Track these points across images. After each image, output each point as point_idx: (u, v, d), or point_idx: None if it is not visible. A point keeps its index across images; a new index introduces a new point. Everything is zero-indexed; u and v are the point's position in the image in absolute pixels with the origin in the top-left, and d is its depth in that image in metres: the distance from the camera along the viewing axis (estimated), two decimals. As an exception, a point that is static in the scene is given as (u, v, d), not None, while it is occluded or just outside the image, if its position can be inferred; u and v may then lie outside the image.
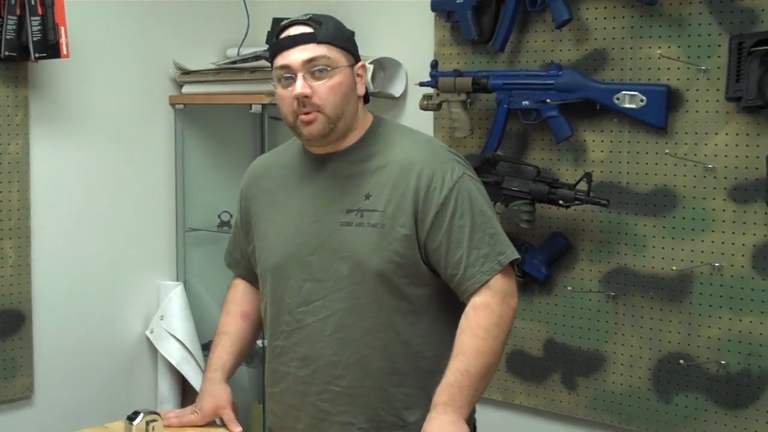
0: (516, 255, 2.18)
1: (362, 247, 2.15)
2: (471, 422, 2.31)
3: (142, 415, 2.27)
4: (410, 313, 2.19)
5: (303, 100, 2.12)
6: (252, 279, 2.45)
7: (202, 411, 2.40)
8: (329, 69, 2.13)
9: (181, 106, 3.72)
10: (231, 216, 3.66)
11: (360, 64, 2.22)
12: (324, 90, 2.12)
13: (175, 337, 3.61)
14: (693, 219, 2.74)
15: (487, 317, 2.10)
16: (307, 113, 2.13)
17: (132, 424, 2.25)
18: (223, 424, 2.41)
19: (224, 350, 2.45)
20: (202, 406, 2.41)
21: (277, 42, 2.18)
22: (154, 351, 3.68)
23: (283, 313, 2.26)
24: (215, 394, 2.41)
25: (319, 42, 2.13)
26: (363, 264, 2.15)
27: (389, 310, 2.17)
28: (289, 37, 2.15)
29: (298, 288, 2.23)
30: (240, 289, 2.50)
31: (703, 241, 2.73)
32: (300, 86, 2.12)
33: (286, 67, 2.14)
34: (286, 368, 2.27)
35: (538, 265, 2.99)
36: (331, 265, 2.18)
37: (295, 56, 2.13)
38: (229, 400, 2.41)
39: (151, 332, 3.64)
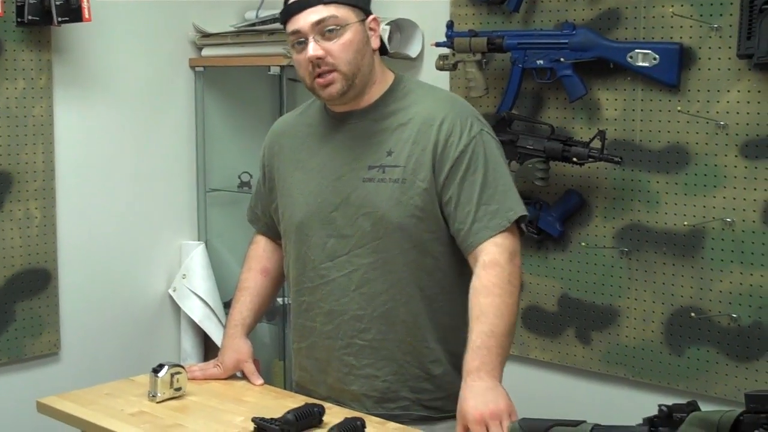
0: (524, 212, 2.18)
1: (384, 203, 2.17)
2: None
3: (166, 367, 2.30)
4: (435, 269, 2.21)
5: (317, 62, 2.14)
6: (273, 235, 2.49)
7: (224, 365, 2.46)
8: (339, 27, 2.14)
9: (201, 69, 3.76)
10: (251, 177, 3.71)
11: (371, 17, 2.23)
12: (337, 48, 2.14)
13: (197, 295, 3.66)
14: (705, 175, 2.76)
15: (498, 275, 2.10)
16: (323, 76, 2.16)
17: (157, 377, 2.29)
18: (245, 378, 2.47)
19: (245, 306, 2.50)
20: (224, 360, 2.46)
21: (286, 8, 2.20)
22: (176, 309, 3.73)
23: (307, 269, 2.29)
24: (236, 349, 2.46)
25: (325, 3, 2.14)
26: (385, 219, 2.17)
27: (413, 265, 2.20)
28: (296, 2, 2.17)
29: (321, 244, 2.25)
30: (261, 246, 2.53)
31: (714, 197, 2.75)
32: (312, 49, 2.14)
33: (296, 32, 2.17)
34: (312, 323, 2.30)
35: (553, 222, 3.01)
36: (355, 221, 2.21)
37: (303, 20, 2.15)
38: (250, 354, 2.46)
39: (174, 290, 3.69)
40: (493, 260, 2.11)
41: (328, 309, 2.26)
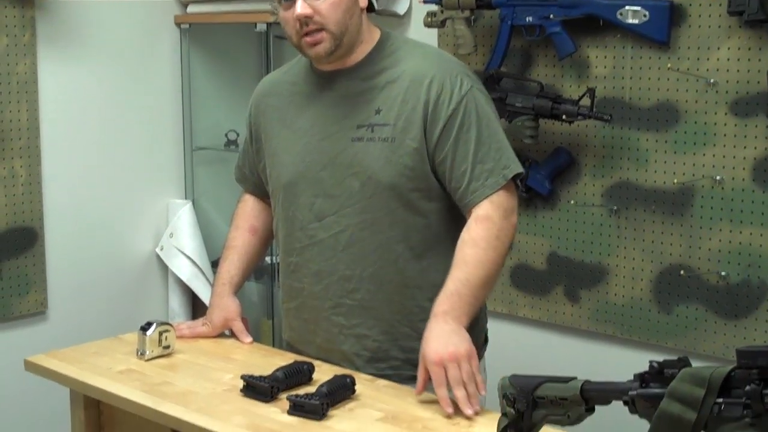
0: (520, 169, 2.17)
1: (373, 162, 2.16)
2: (483, 333, 2.36)
3: (155, 325, 2.31)
4: (424, 228, 2.20)
5: (305, 20, 2.11)
6: (261, 195, 2.47)
7: (212, 323, 2.46)
8: None
9: (187, 26, 3.72)
10: (238, 135, 3.68)
11: None
12: (325, 7, 2.11)
13: (184, 254, 3.65)
14: (695, 133, 2.75)
15: (487, 229, 2.10)
16: (311, 35, 2.12)
17: (145, 335, 2.29)
18: (233, 336, 2.47)
19: (232, 264, 2.49)
20: (212, 318, 2.46)
21: None
22: (164, 268, 3.72)
23: (295, 229, 2.28)
24: (224, 307, 2.45)
25: None
26: (374, 178, 2.16)
27: (402, 225, 2.19)
28: None
29: (309, 204, 2.24)
30: (249, 204, 2.52)
31: (704, 154, 2.74)
32: (300, 7, 2.10)
33: None
34: (300, 284, 2.29)
35: (542, 180, 3.00)
36: (343, 181, 2.19)
37: None
38: (238, 312, 2.46)
39: (161, 249, 3.68)
40: (485, 215, 2.11)
41: (316, 269, 2.25)
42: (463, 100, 2.14)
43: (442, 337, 2.02)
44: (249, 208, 2.52)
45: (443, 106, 2.13)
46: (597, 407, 1.62)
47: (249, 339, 2.43)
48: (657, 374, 1.52)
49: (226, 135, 3.74)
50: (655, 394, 1.48)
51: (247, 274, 2.55)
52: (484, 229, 2.11)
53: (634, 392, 1.51)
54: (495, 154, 2.14)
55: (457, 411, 1.96)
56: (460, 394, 1.97)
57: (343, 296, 2.23)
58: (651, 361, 1.54)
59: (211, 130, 3.80)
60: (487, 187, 2.12)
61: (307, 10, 2.10)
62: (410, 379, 2.20)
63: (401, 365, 2.24)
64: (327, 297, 2.25)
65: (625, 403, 1.52)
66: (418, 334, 2.19)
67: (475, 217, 2.12)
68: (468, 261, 2.09)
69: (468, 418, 1.94)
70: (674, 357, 1.58)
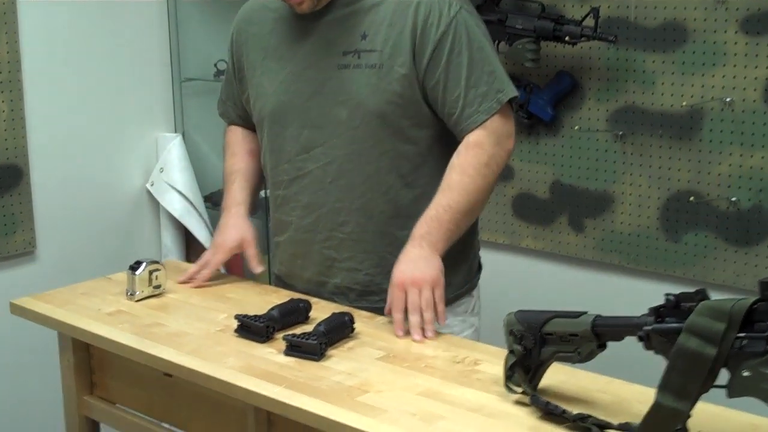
0: (515, 93, 2.13)
1: (360, 90, 2.10)
2: (477, 260, 2.34)
3: (144, 264, 2.24)
4: (414, 156, 2.16)
5: None
6: (248, 125, 2.41)
7: (225, 245, 2.33)
8: None
9: (172, -48, 3.60)
10: (227, 64, 3.57)
11: None
12: None
13: (175, 189, 3.58)
14: (704, 53, 2.68)
15: (477, 156, 2.07)
16: None
17: (135, 274, 2.23)
18: (231, 270, 2.38)
19: (240, 187, 2.39)
20: (225, 239, 2.33)
21: None
22: (155, 204, 3.66)
23: (282, 161, 2.23)
24: (240, 227, 2.33)
25: None
26: (362, 107, 2.11)
27: (391, 154, 2.14)
28: None
29: (296, 135, 2.19)
30: (239, 131, 2.44)
31: (713, 75, 2.67)
32: None
33: None
34: (289, 217, 2.24)
35: (544, 106, 2.95)
36: (330, 111, 2.14)
37: None
38: (254, 235, 2.35)
39: (152, 185, 3.62)
40: (477, 141, 2.08)
41: (306, 202, 2.21)
42: (453, 22, 2.09)
43: (411, 262, 2.02)
44: (240, 134, 2.44)
45: (432, 29, 2.08)
46: (609, 343, 1.57)
47: (261, 268, 2.33)
48: (673, 308, 1.48)
49: (215, 65, 3.64)
50: (671, 329, 1.44)
51: (256, 199, 2.45)
52: (473, 155, 2.07)
53: (650, 327, 1.47)
54: (488, 77, 2.10)
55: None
56: (413, 319, 1.97)
57: (333, 229, 2.19)
58: (667, 294, 1.49)
59: (200, 60, 3.70)
60: (482, 112, 2.08)
61: None
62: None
63: None
64: (317, 230, 2.21)
65: (640, 338, 1.48)
66: None
67: (466, 143, 2.09)
68: (453, 187, 2.06)
69: (420, 342, 1.95)
70: (684, 288, 1.52)
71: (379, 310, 2.13)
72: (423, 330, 1.96)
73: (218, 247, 2.35)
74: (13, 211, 3.20)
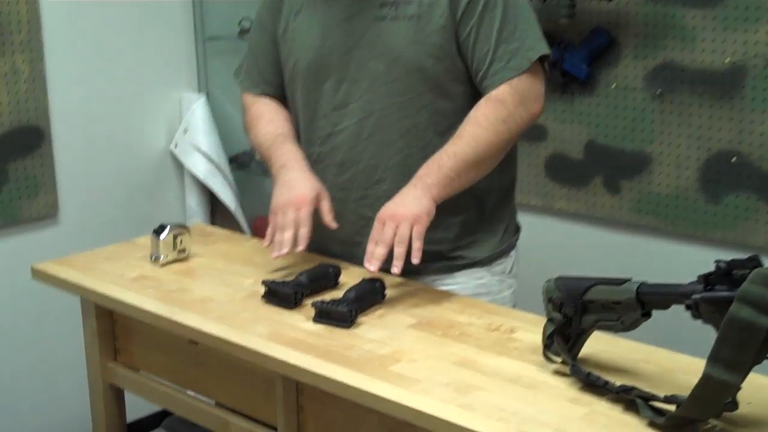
0: (547, 50, 2.06)
1: (398, 42, 2.05)
2: (513, 222, 2.29)
3: (169, 227, 2.20)
4: (452, 112, 2.09)
5: None
6: (275, 95, 2.31)
7: (306, 197, 2.09)
8: None
9: None
10: (252, 23, 3.51)
11: None
12: None
13: (200, 151, 3.54)
14: (746, 8, 2.61)
15: (495, 110, 2.01)
16: None
17: (159, 238, 2.19)
18: (253, 235, 2.32)
19: (295, 146, 2.21)
20: (303, 191, 2.10)
21: None
22: (179, 166, 3.62)
23: (317, 117, 2.18)
24: (311, 179, 2.14)
25: None
26: (400, 60, 2.05)
27: (429, 109, 2.09)
28: None
29: (332, 90, 2.14)
30: (268, 101, 2.32)
31: (757, 31, 2.60)
32: None
33: None
34: (323, 175, 2.18)
35: (579, 63, 2.89)
36: (366, 64, 2.09)
37: None
38: (324, 188, 2.17)
39: (176, 146, 3.57)
40: (498, 97, 2.02)
41: (340, 159, 2.16)
42: None
43: (401, 198, 1.99)
44: (269, 103, 2.32)
45: None
46: (654, 312, 1.50)
47: (335, 225, 2.15)
48: (724, 275, 1.41)
49: (239, 23, 3.58)
50: (722, 298, 1.36)
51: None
52: (492, 109, 2.02)
53: (698, 296, 1.39)
54: (520, 34, 2.03)
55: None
56: (378, 250, 1.93)
57: (368, 187, 2.14)
58: (717, 261, 1.42)
59: (224, 18, 3.64)
60: (509, 69, 2.02)
61: None
62: (439, 271, 2.15)
63: (430, 258, 2.09)
64: (352, 188, 2.16)
65: (688, 307, 1.41)
66: (447, 224, 2.12)
67: (488, 97, 2.04)
68: (463, 136, 2.01)
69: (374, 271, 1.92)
70: (730, 253, 1.45)
71: (411, 274, 2.06)
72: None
73: (299, 201, 2.11)
74: (35, 173, 3.16)
